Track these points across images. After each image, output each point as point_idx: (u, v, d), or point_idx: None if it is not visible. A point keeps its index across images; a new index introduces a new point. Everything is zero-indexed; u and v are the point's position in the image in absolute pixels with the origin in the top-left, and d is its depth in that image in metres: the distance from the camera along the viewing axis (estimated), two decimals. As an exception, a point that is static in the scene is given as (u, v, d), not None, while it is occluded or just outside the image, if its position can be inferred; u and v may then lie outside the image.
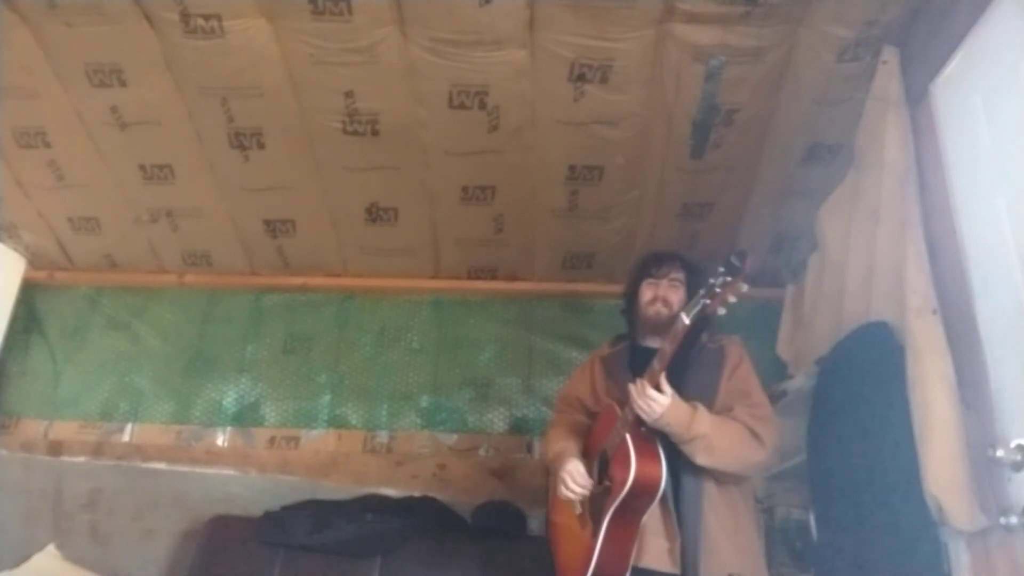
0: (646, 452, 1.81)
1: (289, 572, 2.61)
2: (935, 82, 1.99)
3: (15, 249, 3.39)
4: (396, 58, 2.41)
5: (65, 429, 3.25)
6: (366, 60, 2.41)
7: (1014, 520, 1.49)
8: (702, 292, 1.70)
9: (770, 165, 2.69)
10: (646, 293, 2.12)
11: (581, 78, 2.41)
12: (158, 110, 2.70)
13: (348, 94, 2.54)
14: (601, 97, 2.46)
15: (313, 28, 2.34)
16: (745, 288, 1.66)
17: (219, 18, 2.34)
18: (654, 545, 1.83)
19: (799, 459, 2.43)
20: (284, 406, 3.23)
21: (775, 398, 2.58)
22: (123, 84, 2.61)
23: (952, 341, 1.75)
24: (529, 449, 3.09)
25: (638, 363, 1.93)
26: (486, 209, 2.97)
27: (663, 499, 1.82)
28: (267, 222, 3.13)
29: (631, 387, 1.84)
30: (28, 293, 3.46)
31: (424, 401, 3.20)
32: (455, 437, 3.14)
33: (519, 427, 3.15)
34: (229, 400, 3.25)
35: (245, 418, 3.22)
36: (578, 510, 1.99)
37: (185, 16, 2.33)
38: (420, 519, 2.78)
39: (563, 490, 1.97)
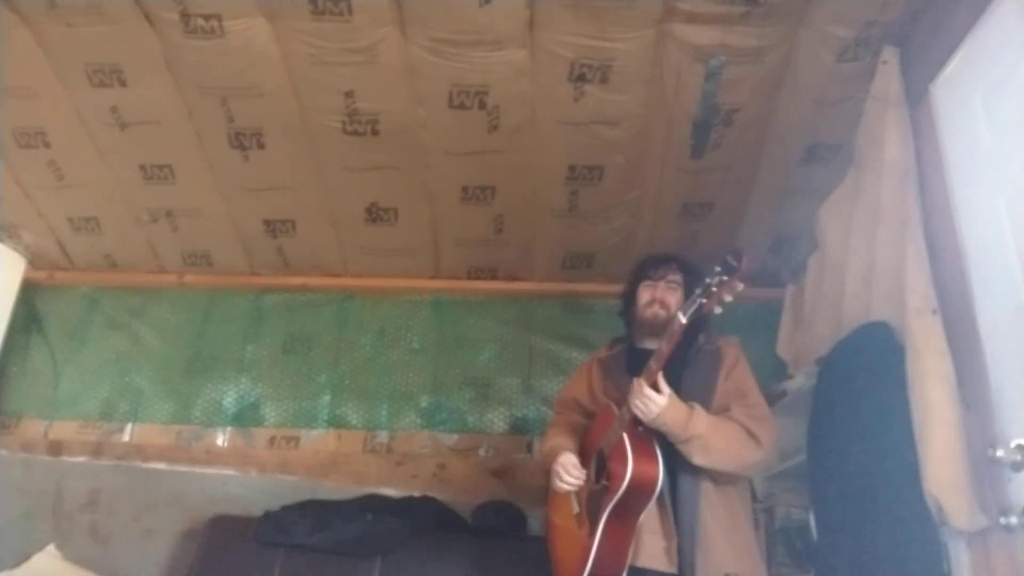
0: (643, 451, 1.81)
1: (289, 572, 2.62)
2: (935, 82, 1.99)
3: (15, 249, 3.39)
4: (396, 58, 2.41)
5: (65, 429, 3.25)
6: (366, 60, 2.41)
7: (1014, 520, 1.49)
8: (698, 291, 1.71)
9: (770, 165, 2.69)
10: (644, 295, 2.13)
11: (581, 78, 2.41)
12: (158, 110, 2.70)
13: (348, 94, 2.54)
14: (601, 97, 2.46)
15: (313, 28, 2.34)
16: (741, 287, 1.68)
17: (219, 18, 2.34)
18: (651, 544, 1.84)
19: (799, 459, 2.43)
20: (284, 406, 3.23)
21: (775, 398, 2.58)
22: (123, 84, 2.61)
23: (952, 341, 1.75)
24: (529, 449, 3.09)
25: (636, 365, 1.93)
26: (486, 209, 2.97)
27: (660, 498, 1.82)
28: (267, 222, 3.13)
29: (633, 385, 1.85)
30: (28, 293, 3.46)
31: (424, 401, 3.20)
32: (455, 437, 3.14)
33: (519, 427, 3.15)
34: (229, 400, 3.25)
35: (245, 418, 3.22)
36: (575, 509, 1.99)
37: (185, 16, 2.33)
38: (420, 519, 2.78)
39: (557, 482, 1.99)
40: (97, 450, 3.18)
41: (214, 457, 3.14)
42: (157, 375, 3.31)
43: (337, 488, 3.00)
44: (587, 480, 1.96)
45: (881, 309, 2.04)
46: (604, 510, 1.82)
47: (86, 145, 2.87)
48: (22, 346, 3.40)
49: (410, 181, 2.89)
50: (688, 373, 1.97)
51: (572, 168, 2.76)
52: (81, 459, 3.15)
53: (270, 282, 3.40)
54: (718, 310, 1.72)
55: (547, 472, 2.10)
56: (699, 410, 1.85)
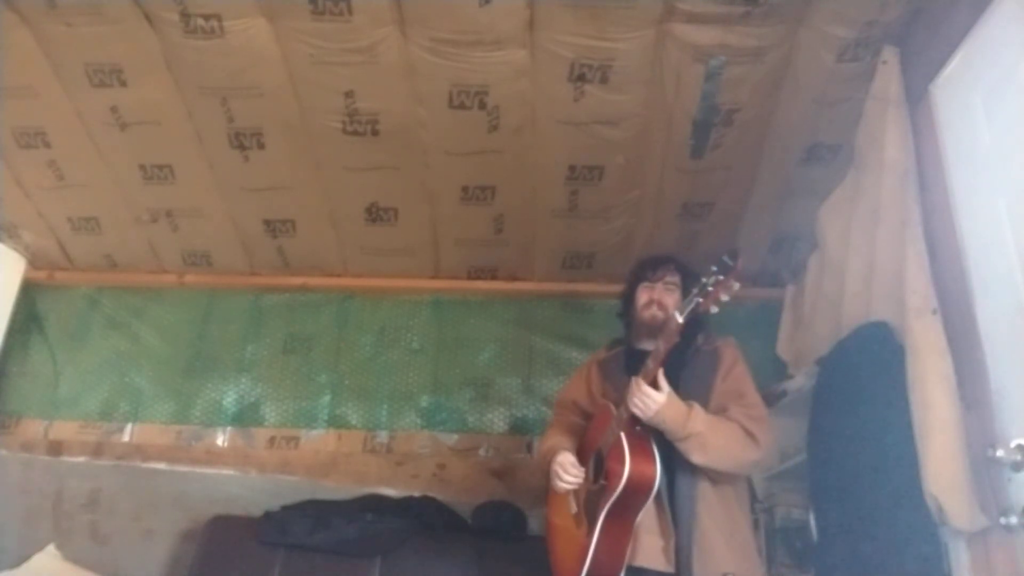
0: (640, 450, 1.82)
1: (289, 572, 2.62)
2: (935, 82, 1.99)
3: (15, 249, 3.39)
4: (396, 58, 2.41)
5: (65, 429, 3.25)
6: (366, 60, 2.41)
7: (1014, 520, 1.49)
8: (695, 291, 1.72)
9: (770, 165, 2.69)
10: (642, 296, 2.14)
11: (581, 78, 2.41)
12: (158, 110, 2.70)
13: (348, 94, 2.54)
14: (601, 97, 2.46)
15: (313, 28, 2.34)
16: (737, 286, 1.69)
17: (219, 18, 2.34)
18: (649, 544, 1.84)
19: (799, 459, 2.43)
20: (284, 406, 3.23)
21: (775, 398, 2.58)
22: (123, 84, 2.61)
23: (952, 341, 1.74)
24: (529, 449, 3.09)
25: (635, 366, 1.93)
26: (486, 209, 2.97)
27: (658, 497, 1.83)
28: (267, 222, 3.13)
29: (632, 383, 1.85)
30: (28, 293, 3.46)
31: (424, 401, 3.20)
32: (455, 437, 3.14)
33: (519, 427, 3.15)
34: (229, 400, 3.25)
35: (245, 418, 3.22)
36: (573, 509, 1.99)
37: (185, 16, 2.33)
38: (420, 519, 2.78)
39: (556, 482, 1.99)
40: (97, 450, 3.18)
41: (214, 457, 3.14)
42: (157, 375, 3.31)
43: (337, 488, 3.00)
44: (585, 480, 1.96)
45: (881, 309, 2.04)
46: (602, 510, 1.82)
47: (86, 145, 2.87)
48: (22, 346, 3.40)
49: (410, 181, 2.89)
50: (686, 373, 1.98)
51: (572, 168, 2.76)
52: (81, 459, 3.15)
53: (270, 282, 3.40)
54: (715, 309, 1.73)
55: (545, 472, 2.11)
56: (698, 408, 1.86)
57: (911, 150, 2.02)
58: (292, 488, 3.00)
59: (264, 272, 3.39)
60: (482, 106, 2.54)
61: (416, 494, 2.96)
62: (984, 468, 1.62)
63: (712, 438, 1.83)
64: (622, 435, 1.83)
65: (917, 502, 1.69)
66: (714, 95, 2.40)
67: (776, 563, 2.58)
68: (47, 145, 2.89)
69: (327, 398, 3.23)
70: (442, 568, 2.60)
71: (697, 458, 1.83)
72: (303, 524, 2.71)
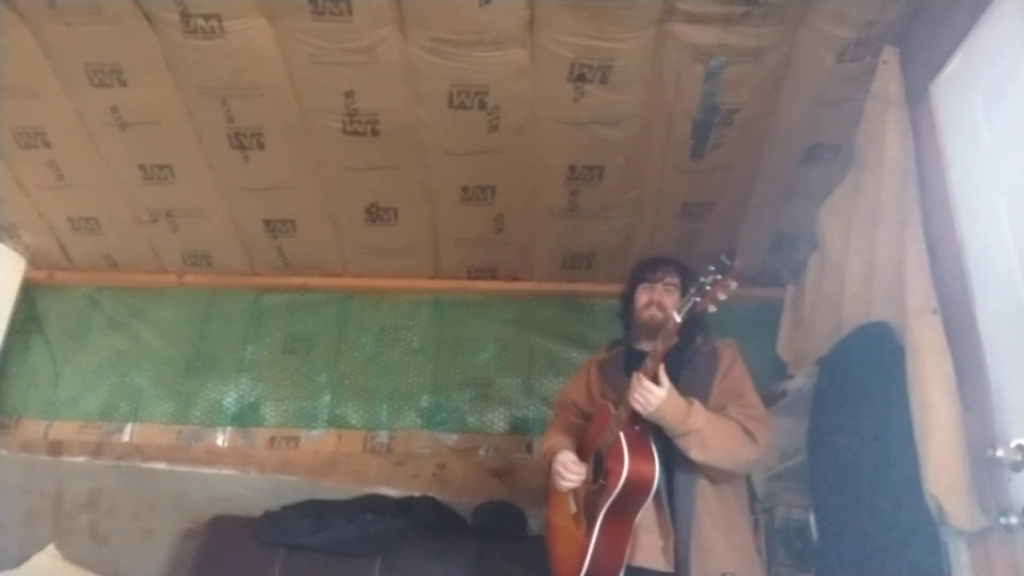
0: (639, 449, 1.82)
1: (289, 572, 2.62)
2: (935, 82, 1.99)
3: (15, 249, 3.39)
4: (396, 58, 2.41)
5: (65, 429, 3.25)
6: (366, 60, 2.41)
7: (1014, 520, 1.49)
8: (693, 290, 1.73)
9: (770, 165, 2.69)
10: (641, 297, 2.15)
11: (581, 78, 2.41)
12: (158, 110, 2.70)
13: (348, 94, 2.54)
14: (601, 97, 2.46)
15: (313, 28, 2.34)
16: (735, 286, 1.69)
17: (219, 18, 2.33)
18: (648, 543, 1.84)
19: (799, 459, 2.43)
20: (284, 406, 3.23)
21: (775, 398, 2.58)
22: (123, 84, 2.61)
23: (952, 341, 1.74)
24: (529, 449, 3.09)
25: (634, 366, 1.93)
26: (486, 209, 2.97)
27: (657, 497, 1.83)
28: (267, 222, 3.13)
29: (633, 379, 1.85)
30: (28, 293, 3.46)
31: (424, 401, 3.20)
32: (455, 437, 3.14)
33: (519, 427, 3.15)
34: (229, 400, 3.25)
35: (245, 418, 3.22)
36: (573, 509, 2.00)
37: (185, 16, 2.33)
38: (420, 519, 2.78)
39: (558, 481, 1.99)
40: (97, 450, 3.18)
41: (214, 457, 3.14)
42: (157, 375, 3.31)
43: (337, 488, 3.00)
44: (585, 480, 1.97)
45: (881, 309, 2.04)
46: (601, 509, 1.82)
47: (86, 145, 2.87)
48: (22, 346, 3.40)
49: (410, 181, 2.89)
50: (685, 373, 1.98)
51: (572, 168, 2.76)
52: (81, 459, 3.15)
53: (270, 282, 3.40)
54: (712, 309, 1.73)
55: (545, 472, 2.11)
56: (698, 405, 1.86)
57: (911, 150, 2.02)
58: (292, 488, 3.00)
59: (264, 272, 3.39)
60: (482, 106, 2.54)
61: (416, 494, 2.96)
62: (984, 468, 1.62)
63: (712, 435, 1.83)
64: (621, 435, 1.84)
65: (917, 502, 1.69)
66: (714, 95, 2.40)
67: (776, 563, 2.58)
68: (47, 145, 2.89)
69: (327, 398, 3.23)
70: (442, 568, 2.60)
71: (696, 455, 1.83)
72: (303, 524, 2.71)
